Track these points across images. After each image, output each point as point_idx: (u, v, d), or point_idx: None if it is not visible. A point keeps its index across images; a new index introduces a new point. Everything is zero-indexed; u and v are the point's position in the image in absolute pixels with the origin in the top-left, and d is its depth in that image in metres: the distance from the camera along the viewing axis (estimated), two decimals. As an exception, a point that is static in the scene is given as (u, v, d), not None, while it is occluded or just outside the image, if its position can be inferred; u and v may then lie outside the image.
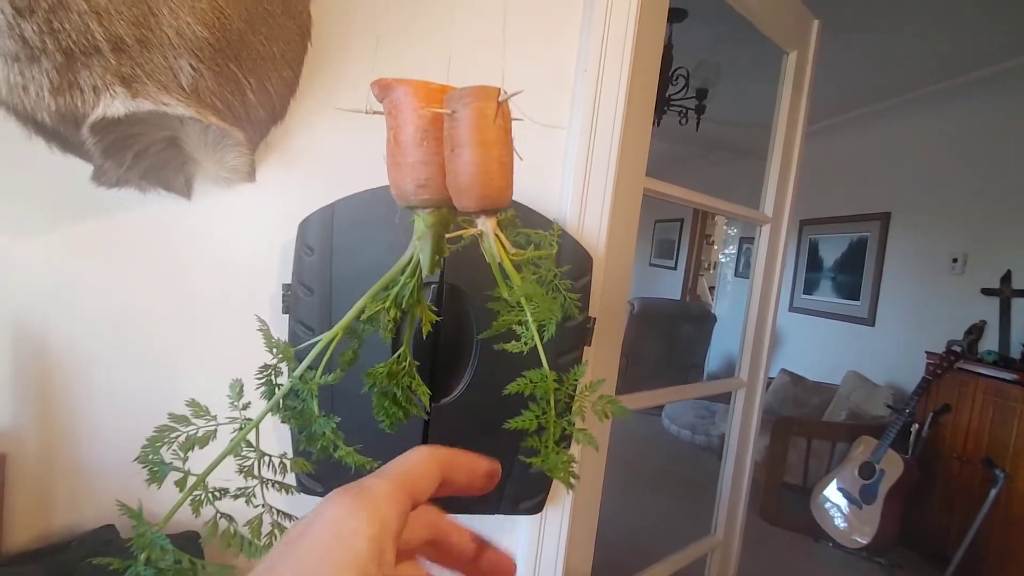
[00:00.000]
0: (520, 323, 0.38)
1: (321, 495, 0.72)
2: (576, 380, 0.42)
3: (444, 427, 0.73)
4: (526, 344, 0.37)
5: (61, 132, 0.60)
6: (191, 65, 0.59)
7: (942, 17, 2.23)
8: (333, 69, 0.76)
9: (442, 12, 0.79)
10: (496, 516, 0.81)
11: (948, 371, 2.37)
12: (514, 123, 0.33)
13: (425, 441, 0.72)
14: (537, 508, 0.78)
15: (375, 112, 0.34)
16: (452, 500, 0.85)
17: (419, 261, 0.35)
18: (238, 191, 0.75)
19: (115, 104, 0.56)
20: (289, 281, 0.72)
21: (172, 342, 0.77)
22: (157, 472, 0.45)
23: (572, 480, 0.40)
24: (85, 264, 0.73)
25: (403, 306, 0.36)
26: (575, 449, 0.86)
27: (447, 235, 0.35)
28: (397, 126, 0.32)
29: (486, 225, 0.32)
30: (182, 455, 0.36)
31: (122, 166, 0.65)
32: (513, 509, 0.77)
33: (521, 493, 0.76)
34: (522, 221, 0.74)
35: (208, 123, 0.62)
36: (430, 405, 0.73)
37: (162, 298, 0.76)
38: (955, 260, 2.76)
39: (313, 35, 0.74)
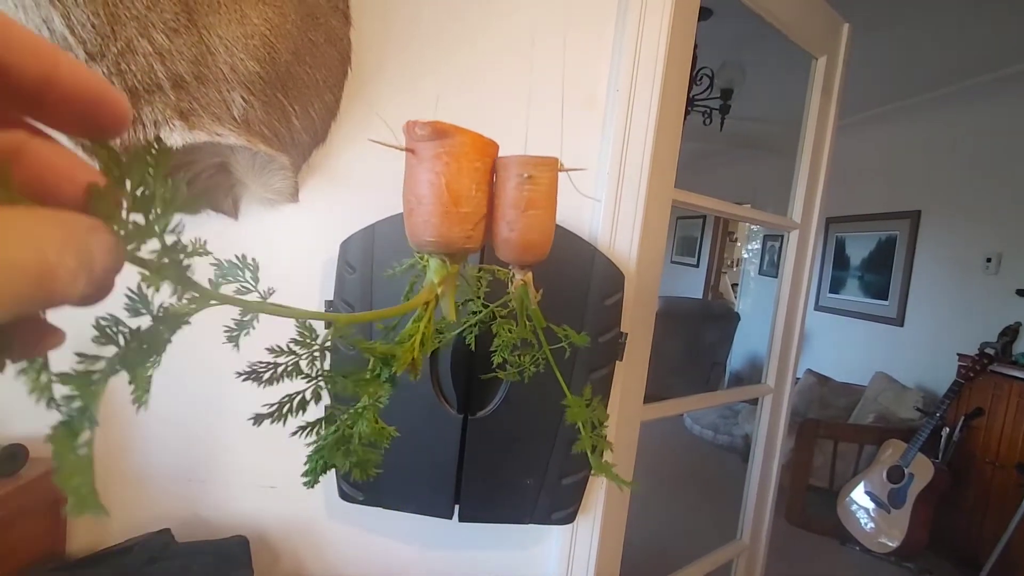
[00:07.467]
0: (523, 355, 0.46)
1: (362, 503, 0.76)
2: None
3: (479, 438, 0.75)
4: (520, 375, 0.46)
5: (122, 162, 0.64)
6: (243, 97, 0.62)
7: (975, 12, 2.17)
8: (372, 92, 0.78)
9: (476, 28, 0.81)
10: (529, 525, 0.83)
11: (981, 374, 2.32)
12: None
13: (463, 452, 0.74)
14: (570, 518, 0.80)
15: (407, 149, 0.35)
16: (486, 509, 0.87)
17: (435, 305, 0.35)
18: (282, 211, 0.78)
19: (173, 136, 0.59)
20: (331, 298, 0.75)
21: (218, 356, 0.80)
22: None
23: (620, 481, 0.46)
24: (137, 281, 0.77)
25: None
26: (607, 457, 0.88)
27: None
28: (450, 174, 0.33)
29: (528, 276, 0.37)
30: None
31: (177, 192, 0.68)
32: (546, 519, 0.79)
33: (555, 504, 0.78)
34: (557, 240, 0.76)
35: (257, 150, 0.65)
36: (467, 418, 0.75)
37: (210, 313, 0.79)
38: (988, 260, 2.69)
39: (352, 60, 0.76)
